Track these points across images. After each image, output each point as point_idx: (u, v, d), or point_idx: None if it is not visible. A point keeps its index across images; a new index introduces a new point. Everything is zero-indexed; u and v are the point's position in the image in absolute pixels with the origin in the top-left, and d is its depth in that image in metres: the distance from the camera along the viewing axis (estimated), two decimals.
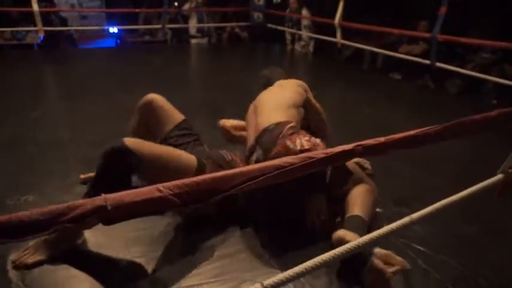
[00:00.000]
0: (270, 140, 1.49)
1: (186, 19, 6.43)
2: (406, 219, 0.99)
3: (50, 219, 0.47)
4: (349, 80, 4.49)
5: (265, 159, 1.45)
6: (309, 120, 1.84)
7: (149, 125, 1.74)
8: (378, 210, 1.70)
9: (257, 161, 1.51)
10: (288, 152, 1.40)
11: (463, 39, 3.47)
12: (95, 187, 1.34)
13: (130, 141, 1.31)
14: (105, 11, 9.02)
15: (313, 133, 1.73)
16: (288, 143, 1.43)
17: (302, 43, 5.81)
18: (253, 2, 6.16)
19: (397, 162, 2.15)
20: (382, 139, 0.88)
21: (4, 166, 1.97)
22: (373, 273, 1.19)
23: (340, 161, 0.78)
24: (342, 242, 1.17)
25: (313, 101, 1.87)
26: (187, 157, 1.47)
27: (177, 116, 1.79)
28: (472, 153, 2.45)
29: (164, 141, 1.69)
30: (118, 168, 1.29)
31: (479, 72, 4.25)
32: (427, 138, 0.98)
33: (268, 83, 1.94)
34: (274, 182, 0.63)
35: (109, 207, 0.50)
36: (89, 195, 1.32)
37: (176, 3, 6.52)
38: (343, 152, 0.73)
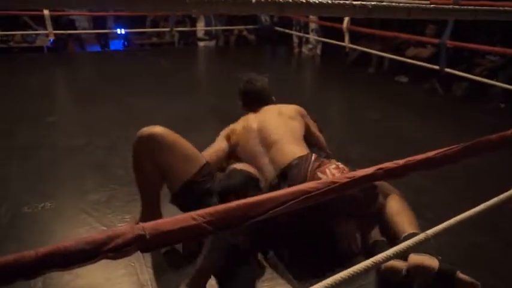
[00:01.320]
0: (299, 175, 1.42)
1: (193, 21, 6.46)
2: (421, 236, 1.01)
3: (94, 249, 0.49)
4: (355, 83, 4.50)
5: None
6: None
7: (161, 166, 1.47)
8: None
9: None
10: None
11: (471, 45, 3.46)
12: None
13: None
14: (113, 14, 9.08)
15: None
16: (320, 175, 1.39)
17: (309, 46, 5.82)
18: None
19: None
20: (401, 162, 0.89)
21: (20, 172, 2.01)
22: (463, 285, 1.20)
23: (362, 185, 0.79)
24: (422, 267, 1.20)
25: (312, 128, 1.82)
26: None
27: (197, 157, 1.52)
28: (484, 164, 2.43)
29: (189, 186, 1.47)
30: None
31: (488, 75, 4.24)
32: (447, 159, 0.98)
33: (259, 98, 1.83)
34: (301, 206, 0.66)
35: (148, 236, 0.52)
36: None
37: None
38: (365, 176, 0.75)
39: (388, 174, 0.79)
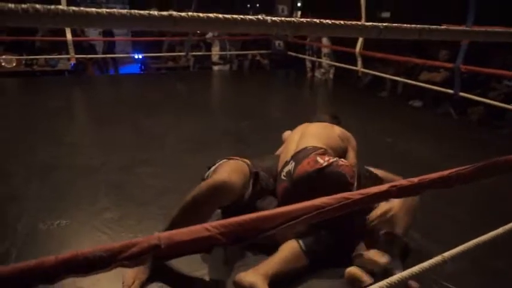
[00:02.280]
0: (304, 155, 1.63)
1: (208, 46, 6.64)
2: (438, 258, 0.99)
3: (110, 256, 0.51)
4: (369, 108, 4.51)
5: (294, 171, 1.60)
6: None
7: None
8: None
9: (287, 173, 1.65)
10: (316, 164, 1.55)
11: (485, 70, 3.45)
12: None
13: None
14: (131, 40, 9.45)
15: None
16: (318, 158, 1.59)
17: (322, 70, 5.90)
18: None
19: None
20: (415, 180, 0.90)
21: (38, 191, 2.06)
22: None
23: (375, 202, 0.80)
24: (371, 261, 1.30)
25: (352, 154, 1.92)
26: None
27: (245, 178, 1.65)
28: (504, 185, 2.38)
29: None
30: None
31: (504, 100, 4.20)
32: (461, 178, 0.98)
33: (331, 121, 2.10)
34: (313, 221, 0.66)
35: (162, 246, 0.53)
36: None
37: (199, 31, 6.77)
38: (379, 193, 0.76)
39: (402, 192, 0.80)
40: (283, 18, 0.63)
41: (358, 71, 5.00)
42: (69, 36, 4.99)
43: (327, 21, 0.66)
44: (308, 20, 0.64)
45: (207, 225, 0.57)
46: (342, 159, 1.63)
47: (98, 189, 2.08)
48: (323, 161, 1.57)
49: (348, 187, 1.51)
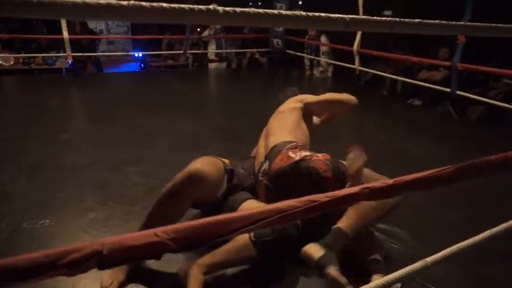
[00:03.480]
0: (276, 152, 1.61)
1: (206, 45, 6.62)
2: (420, 263, 0.95)
3: (50, 263, 0.48)
4: (367, 106, 4.45)
5: (269, 169, 1.59)
6: (329, 113, 1.95)
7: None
8: (393, 245, 1.65)
9: (263, 172, 1.64)
10: (289, 160, 1.54)
11: (482, 68, 3.40)
12: None
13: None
14: (129, 38, 9.45)
15: (333, 117, 1.98)
16: (290, 153, 1.57)
17: (321, 69, 5.86)
18: (273, 29, 6.30)
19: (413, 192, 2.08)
20: (390, 181, 0.86)
21: (25, 190, 2.04)
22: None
23: (345, 205, 0.77)
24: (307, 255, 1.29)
25: (315, 98, 1.92)
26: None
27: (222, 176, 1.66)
28: (494, 186, 2.34)
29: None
30: None
31: (503, 99, 4.14)
32: (440, 180, 0.94)
33: None
34: (276, 225, 0.63)
35: (105, 252, 0.50)
36: None
37: (199, 30, 6.74)
38: (349, 195, 0.72)
39: (375, 194, 0.76)
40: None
41: (356, 69, 4.96)
42: (65, 34, 4.97)
43: (288, 12, 0.63)
44: (267, 11, 0.61)
45: (157, 230, 0.54)
46: (317, 154, 1.59)
47: (85, 188, 2.06)
48: (295, 155, 1.55)
49: (323, 181, 1.48)
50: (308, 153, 1.58)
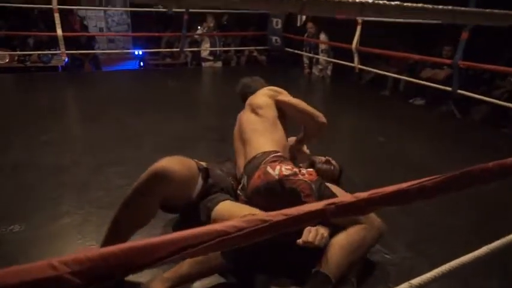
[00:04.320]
0: (253, 166, 1.49)
1: (200, 43, 6.50)
2: (405, 285, 0.83)
3: None
4: (368, 106, 4.33)
5: (247, 185, 1.47)
6: (295, 119, 1.78)
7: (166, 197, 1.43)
8: (385, 255, 1.53)
9: (242, 188, 1.52)
10: (266, 177, 1.41)
11: (485, 66, 3.26)
12: None
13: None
14: (127, 35, 9.36)
15: (305, 133, 1.79)
16: (268, 169, 1.43)
17: (320, 67, 5.72)
18: (271, 26, 6.17)
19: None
20: (364, 195, 0.73)
21: (0, 192, 1.94)
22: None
23: (304, 225, 0.66)
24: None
25: (286, 99, 1.76)
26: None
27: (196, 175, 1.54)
28: (502, 192, 2.19)
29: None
30: None
31: (508, 98, 3.99)
32: (425, 193, 0.81)
33: (246, 95, 1.91)
34: (215, 250, 0.52)
35: None
36: None
37: (199, 28, 6.63)
38: (310, 213, 0.60)
39: (342, 211, 0.64)
40: None
41: (355, 67, 4.83)
42: (59, 31, 4.88)
43: None
44: None
45: (54, 260, 0.44)
46: (303, 171, 1.43)
47: (62, 191, 1.95)
48: (274, 172, 1.41)
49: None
50: (290, 167, 1.42)
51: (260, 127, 1.64)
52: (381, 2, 0.81)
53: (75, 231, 1.64)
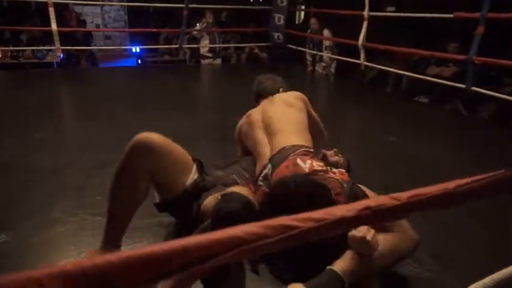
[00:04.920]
0: (282, 156, 1.38)
1: (198, 40, 6.33)
2: None
3: None
4: (372, 103, 4.20)
5: (271, 175, 1.35)
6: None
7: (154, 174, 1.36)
8: (414, 268, 1.38)
9: (264, 177, 1.38)
10: (295, 168, 1.28)
11: (502, 62, 3.12)
12: None
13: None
14: (125, 31, 9.17)
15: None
16: (298, 160, 1.32)
17: (323, 64, 5.58)
18: (273, 22, 6.02)
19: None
20: (403, 197, 0.62)
21: None
22: None
23: (337, 232, 0.55)
24: None
25: (313, 113, 1.80)
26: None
27: (188, 160, 1.48)
28: None
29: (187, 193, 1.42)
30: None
31: None
32: (473, 194, 0.71)
33: (265, 92, 1.82)
34: (233, 261, 0.40)
35: None
36: None
37: (198, 25, 6.46)
38: (343, 219, 0.51)
39: (380, 217, 0.53)
40: None
41: (361, 64, 4.68)
42: (54, 26, 4.71)
43: None
44: None
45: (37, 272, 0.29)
46: (334, 170, 1.32)
47: (55, 195, 1.80)
48: (304, 164, 1.29)
49: (331, 206, 1.20)
50: (321, 164, 1.32)
51: (294, 122, 1.55)
52: None
53: (68, 241, 1.49)
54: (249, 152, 1.69)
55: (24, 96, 3.76)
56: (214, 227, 1.11)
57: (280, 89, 1.84)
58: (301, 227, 0.52)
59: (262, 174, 1.41)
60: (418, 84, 4.91)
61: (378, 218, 0.64)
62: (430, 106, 4.55)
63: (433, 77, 4.34)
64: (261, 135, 1.57)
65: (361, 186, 1.31)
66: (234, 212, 1.09)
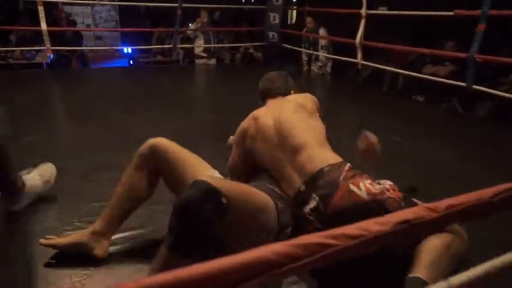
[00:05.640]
0: (328, 184, 1.24)
1: (193, 40, 6.24)
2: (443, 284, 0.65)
3: None
4: (369, 103, 4.16)
5: (326, 208, 1.21)
6: None
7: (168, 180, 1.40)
8: None
9: (316, 211, 1.24)
10: (352, 197, 1.18)
11: (504, 59, 3.10)
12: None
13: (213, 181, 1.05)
14: (116, 30, 9.03)
15: None
16: (352, 187, 1.21)
17: (319, 64, 5.53)
18: (268, 22, 5.96)
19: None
20: (441, 206, 0.59)
21: None
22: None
23: (375, 248, 0.51)
24: None
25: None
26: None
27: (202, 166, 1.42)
28: None
29: None
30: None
31: None
32: (509, 203, 0.69)
33: (276, 92, 1.66)
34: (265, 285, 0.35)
35: None
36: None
37: (190, 25, 6.37)
38: (380, 235, 0.50)
39: (419, 230, 0.55)
40: None
41: (358, 63, 4.64)
42: (43, 26, 4.58)
43: None
44: None
45: None
46: (386, 185, 1.23)
47: (45, 203, 1.70)
48: (360, 191, 1.20)
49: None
50: (371, 181, 1.23)
51: (317, 131, 1.42)
52: None
53: (60, 253, 1.39)
54: (250, 161, 1.53)
55: (14, 98, 3.63)
56: (170, 220, 1.03)
57: (292, 91, 1.68)
58: (337, 245, 0.49)
59: (309, 207, 1.26)
60: (414, 83, 4.91)
61: (416, 232, 0.60)
62: (426, 105, 4.54)
63: (430, 76, 4.33)
64: (278, 153, 1.39)
65: (412, 199, 1.26)
66: (190, 200, 0.99)
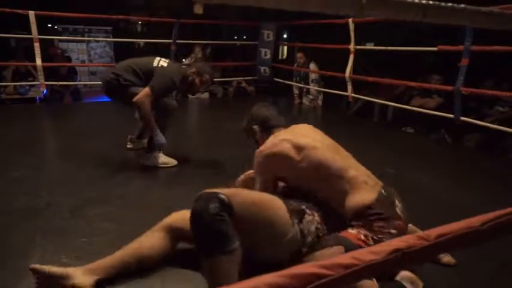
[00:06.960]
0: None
1: None
2: None
3: None
4: (360, 135, 4.21)
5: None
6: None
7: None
8: None
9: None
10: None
11: (489, 92, 3.20)
12: None
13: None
14: (110, 65, 9.15)
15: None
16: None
17: (310, 97, 5.64)
18: (260, 57, 6.12)
19: None
20: (431, 234, 0.61)
21: None
22: None
23: (368, 277, 0.52)
24: None
25: None
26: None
27: None
28: None
29: None
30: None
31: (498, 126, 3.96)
32: (501, 231, 0.70)
33: (279, 124, 1.78)
34: None
35: None
36: None
37: (184, 60, 6.50)
38: (373, 265, 0.50)
39: (410, 259, 0.56)
40: None
41: (349, 96, 4.75)
42: (38, 61, 4.64)
43: None
44: None
45: None
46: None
47: (32, 241, 1.64)
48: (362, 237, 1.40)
49: None
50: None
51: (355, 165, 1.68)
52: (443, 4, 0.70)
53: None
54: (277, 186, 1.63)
55: (3, 132, 3.61)
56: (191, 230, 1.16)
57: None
58: (331, 274, 0.49)
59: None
60: (403, 115, 5.02)
61: (408, 260, 0.60)
62: (416, 136, 4.61)
63: (419, 108, 4.43)
64: (337, 157, 1.56)
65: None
66: (196, 207, 1.15)
